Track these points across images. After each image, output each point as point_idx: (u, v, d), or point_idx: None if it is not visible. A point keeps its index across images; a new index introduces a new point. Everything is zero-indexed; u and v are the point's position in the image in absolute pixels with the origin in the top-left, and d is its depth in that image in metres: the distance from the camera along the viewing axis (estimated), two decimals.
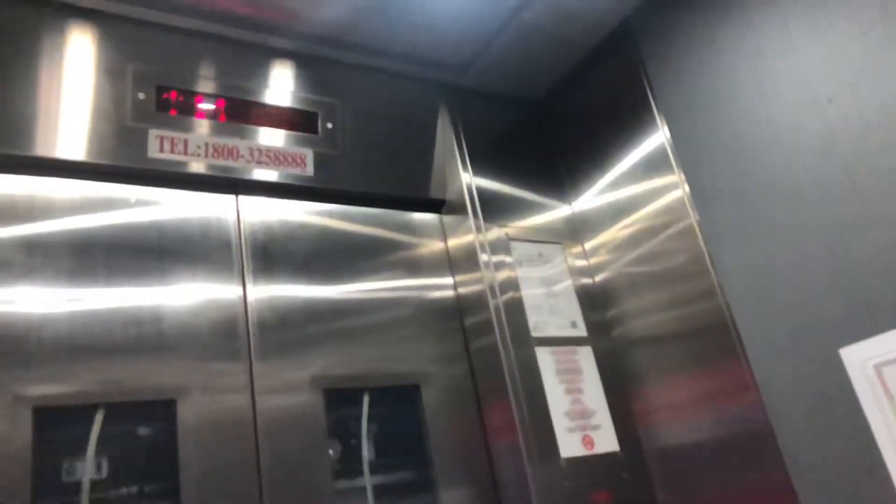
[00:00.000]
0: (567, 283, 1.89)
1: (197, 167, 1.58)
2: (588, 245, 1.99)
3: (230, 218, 1.62)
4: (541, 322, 1.76)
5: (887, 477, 1.28)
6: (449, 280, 1.88)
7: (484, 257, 1.78)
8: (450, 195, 1.92)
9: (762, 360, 1.51)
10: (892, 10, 1.32)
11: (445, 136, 1.95)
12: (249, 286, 1.56)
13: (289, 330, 1.56)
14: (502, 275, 1.78)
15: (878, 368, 1.31)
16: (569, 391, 1.70)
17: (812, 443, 1.40)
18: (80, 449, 1.29)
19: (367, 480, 1.55)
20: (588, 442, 1.66)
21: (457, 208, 1.89)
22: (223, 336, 1.49)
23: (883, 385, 1.30)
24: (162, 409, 1.37)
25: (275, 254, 1.63)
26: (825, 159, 1.42)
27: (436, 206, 1.95)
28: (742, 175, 1.58)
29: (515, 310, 1.75)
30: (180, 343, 1.43)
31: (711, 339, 1.61)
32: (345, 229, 1.78)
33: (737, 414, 1.55)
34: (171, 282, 1.48)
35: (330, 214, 1.77)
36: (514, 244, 1.85)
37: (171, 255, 1.50)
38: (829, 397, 1.38)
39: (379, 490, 1.56)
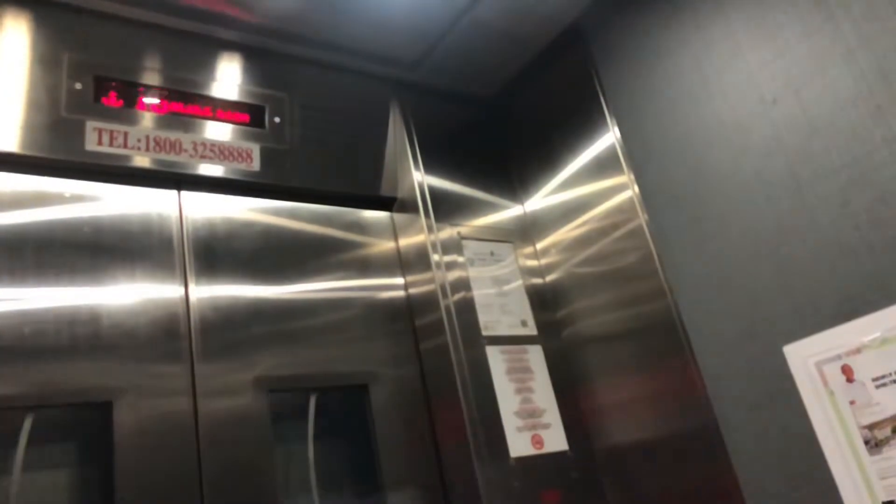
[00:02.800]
0: (518, 283, 1.88)
1: (137, 161, 1.52)
2: (539, 245, 1.99)
3: (172, 214, 1.56)
4: (491, 321, 1.75)
5: (827, 470, 1.30)
6: (400, 280, 1.85)
7: (435, 257, 1.76)
8: (401, 193, 1.90)
9: (709, 358, 1.52)
10: (836, 13, 1.35)
11: (397, 134, 1.93)
12: (192, 285, 1.51)
13: (233, 330, 1.52)
14: (454, 275, 1.76)
15: (819, 365, 1.33)
16: (519, 390, 1.69)
17: (756, 439, 1.42)
18: (7, 456, 1.22)
19: (314, 483, 1.51)
20: (537, 441, 1.66)
21: (408, 207, 1.87)
22: (164, 336, 1.43)
23: (824, 381, 1.32)
24: (97, 413, 1.31)
25: (219, 252, 1.58)
26: (771, 160, 1.44)
27: (387, 204, 1.92)
28: (690, 175, 1.60)
29: (466, 310, 1.73)
30: (118, 344, 1.37)
31: (659, 338, 1.62)
32: (292, 227, 1.73)
33: (684, 411, 1.56)
34: (109, 281, 1.42)
35: (277, 212, 1.72)
36: (466, 243, 1.84)
37: (109, 253, 1.44)
38: (774, 394, 1.40)
39: (325, 493, 1.53)
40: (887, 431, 1.23)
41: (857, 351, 1.28)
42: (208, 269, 1.54)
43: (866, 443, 1.26)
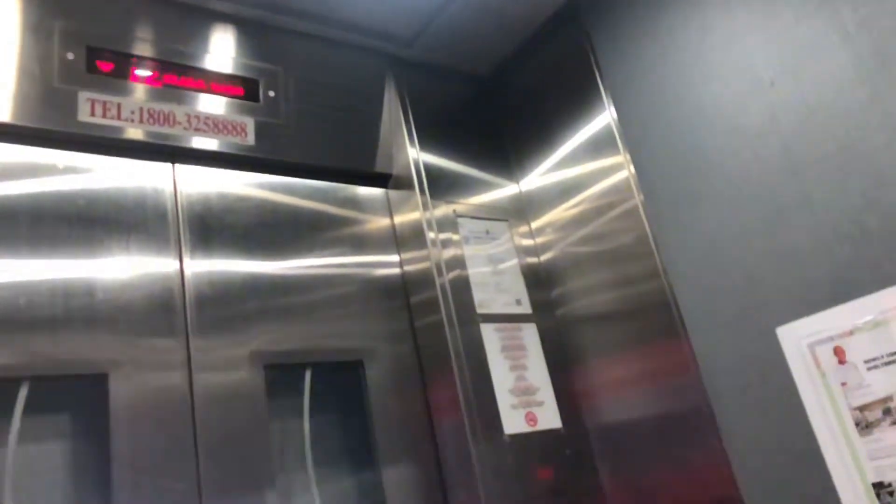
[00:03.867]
0: (513, 262, 1.88)
1: (131, 133, 1.49)
2: (535, 224, 1.99)
3: (166, 188, 1.55)
4: (486, 299, 1.76)
5: (817, 451, 1.32)
6: (395, 257, 1.84)
7: (431, 235, 1.76)
8: (396, 170, 1.89)
9: (702, 338, 1.54)
10: None
11: (392, 109, 1.91)
12: (187, 259, 1.49)
13: (228, 305, 1.51)
14: (449, 252, 1.76)
15: (812, 347, 1.35)
16: (513, 368, 1.70)
17: (748, 419, 1.44)
18: (3, 426, 1.22)
19: (309, 458, 1.52)
20: (531, 418, 1.67)
21: (403, 183, 1.86)
22: (159, 310, 1.42)
23: (816, 363, 1.34)
24: (92, 385, 1.30)
25: (214, 226, 1.57)
26: (767, 141, 1.45)
27: (382, 180, 1.91)
28: (686, 156, 1.60)
29: (461, 287, 1.73)
30: (113, 317, 1.36)
31: (654, 319, 1.63)
32: (287, 202, 1.72)
33: (677, 391, 1.58)
34: (103, 253, 1.40)
35: (272, 187, 1.71)
36: (461, 221, 1.83)
37: (103, 226, 1.42)
38: (766, 375, 1.41)
39: (321, 468, 1.54)
40: (878, 413, 1.25)
41: (850, 333, 1.29)
42: (203, 244, 1.53)
43: (857, 424, 1.27)
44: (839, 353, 1.31)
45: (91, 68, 1.47)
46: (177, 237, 1.50)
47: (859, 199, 1.30)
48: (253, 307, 1.54)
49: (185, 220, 1.53)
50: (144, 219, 1.48)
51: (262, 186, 1.69)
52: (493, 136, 2.09)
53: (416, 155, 1.85)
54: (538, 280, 1.91)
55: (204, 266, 1.51)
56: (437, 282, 1.71)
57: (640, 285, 1.67)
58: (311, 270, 1.68)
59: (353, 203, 1.84)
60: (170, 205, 1.53)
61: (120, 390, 1.31)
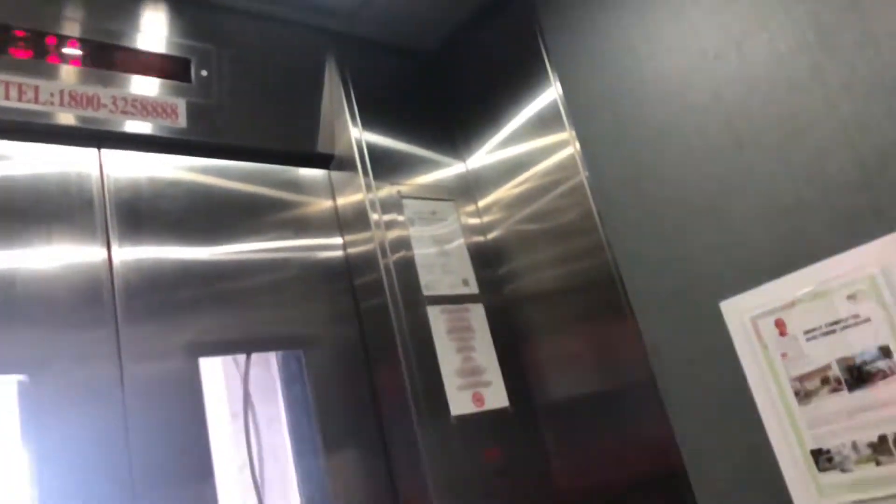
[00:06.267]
0: (459, 242, 1.85)
1: (51, 117, 1.42)
2: (481, 203, 1.96)
3: (92, 174, 1.47)
4: (433, 281, 1.73)
5: (759, 421, 1.33)
6: (338, 240, 1.80)
7: (374, 216, 1.72)
8: (338, 150, 1.83)
9: (647, 314, 1.53)
10: None
11: (333, 88, 1.85)
12: (115, 247, 1.43)
13: (161, 294, 1.45)
14: (393, 234, 1.72)
15: (754, 320, 1.35)
16: (460, 349, 1.68)
17: (692, 392, 1.44)
18: None
19: (251, 448, 1.48)
20: (478, 399, 1.65)
21: (346, 164, 1.81)
22: (85, 302, 1.36)
23: (758, 335, 1.34)
24: (14, 384, 1.24)
25: (144, 213, 1.50)
26: (711, 115, 1.44)
27: (323, 161, 1.85)
28: (631, 132, 1.59)
29: (407, 269, 1.70)
30: (35, 311, 1.30)
31: (599, 295, 1.62)
32: (223, 186, 1.66)
33: (622, 367, 1.58)
34: (23, 244, 1.33)
35: (206, 170, 1.64)
36: (406, 202, 1.80)
37: (22, 215, 1.35)
38: (710, 349, 1.42)
39: (263, 457, 1.50)
40: (816, 382, 1.26)
41: (791, 305, 1.30)
42: (133, 231, 1.47)
43: (796, 394, 1.28)
44: (780, 325, 1.31)
45: (4, 48, 1.39)
46: (104, 225, 1.44)
47: (801, 172, 1.30)
48: (187, 295, 1.48)
49: (113, 207, 1.46)
50: (69, 207, 1.41)
51: (195, 170, 1.63)
52: (438, 115, 2.04)
53: (358, 135, 1.80)
54: (485, 259, 1.88)
55: (134, 254, 1.45)
56: (382, 263, 1.67)
57: (585, 262, 1.66)
58: (248, 256, 1.62)
59: (294, 185, 1.79)
60: (96, 191, 1.46)
61: (45, 385, 1.25)
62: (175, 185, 1.58)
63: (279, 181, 1.76)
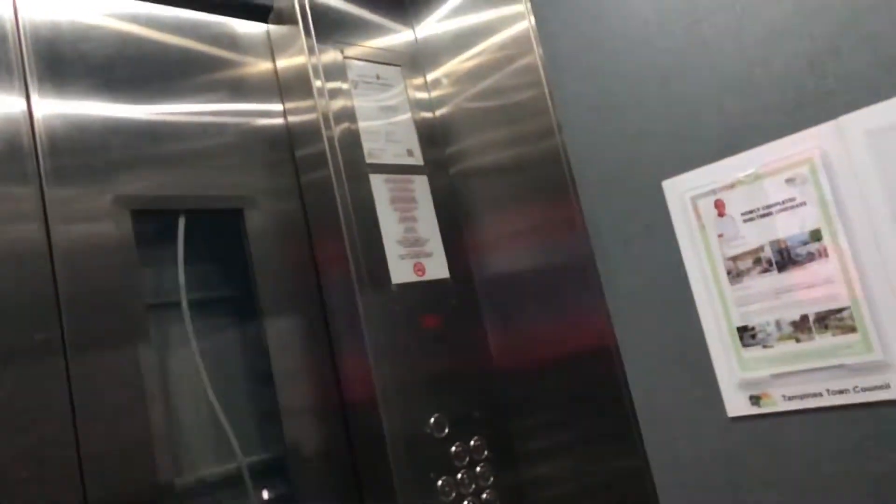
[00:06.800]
0: (406, 116, 1.79)
1: None
2: (430, 76, 1.89)
3: (4, 14, 1.33)
4: (376, 149, 1.68)
5: (691, 300, 1.38)
6: (278, 106, 1.71)
7: (318, 83, 1.63)
8: (277, 1, 1.71)
9: (591, 193, 1.53)
10: None
11: None
12: (35, 98, 1.32)
13: (88, 151, 1.36)
14: (338, 104, 1.65)
15: (694, 200, 1.37)
16: (402, 219, 1.66)
17: (629, 271, 1.47)
18: None
19: (185, 310, 1.45)
20: (419, 269, 1.66)
21: (286, 18, 1.68)
22: (4, 158, 1.26)
23: (697, 215, 1.37)
24: None
25: (66, 56, 1.37)
26: None
27: (261, 13, 1.71)
28: (586, 5, 1.53)
29: (351, 140, 1.64)
30: None
31: (544, 175, 1.61)
32: (152, 37, 1.52)
33: (562, 246, 1.59)
34: None
35: (134, 18, 1.51)
36: (350, 63, 1.70)
37: None
38: (650, 229, 1.44)
39: (198, 318, 1.47)
40: (748, 263, 1.30)
41: (732, 186, 1.32)
42: (55, 81, 1.35)
43: (728, 273, 1.33)
44: (719, 205, 1.33)
45: None
46: (21, 71, 1.31)
47: (755, 51, 1.28)
48: (117, 154, 1.39)
49: (30, 49, 1.33)
50: None
51: (122, 18, 1.49)
52: None
53: None
54: (432, 136, 1.83)
55: (57, 107, 1.34)
56: (325, 134, 1.60)
57: (534, 143, 1.63)
58: (182, 117, 1.52)
59: (230, 41, 1.66)
60: (11, 33, 1.33)
61: None
62: (99, 29, 1.44)
63: (213, 35, 1.63)
